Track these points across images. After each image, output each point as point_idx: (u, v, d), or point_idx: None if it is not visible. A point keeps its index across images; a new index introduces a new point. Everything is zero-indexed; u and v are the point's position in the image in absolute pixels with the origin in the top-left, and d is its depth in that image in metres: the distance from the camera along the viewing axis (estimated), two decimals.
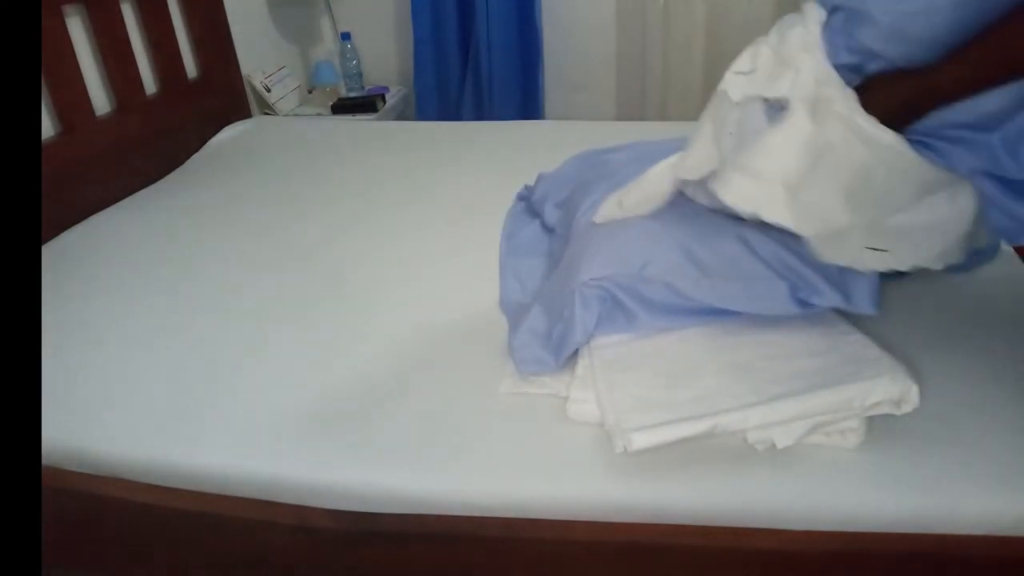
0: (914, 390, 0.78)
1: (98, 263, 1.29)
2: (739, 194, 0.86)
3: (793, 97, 0.83)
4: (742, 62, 0.90)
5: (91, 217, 1.48)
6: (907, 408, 0.79)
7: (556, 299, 0.98)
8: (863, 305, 0.88)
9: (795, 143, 0.82)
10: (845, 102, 0.81)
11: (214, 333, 1.08)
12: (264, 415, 0.92)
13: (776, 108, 0.85)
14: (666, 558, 0.81)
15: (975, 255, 1.12)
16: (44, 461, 0.92)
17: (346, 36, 2.44)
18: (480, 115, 2.49)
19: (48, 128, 1.49)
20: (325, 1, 2.60)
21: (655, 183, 1.03)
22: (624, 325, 0.94)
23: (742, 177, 0.86)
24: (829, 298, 0.88)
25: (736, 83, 0.89)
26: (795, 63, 0.84)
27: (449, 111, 2.56)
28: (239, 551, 0.92)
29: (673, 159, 1.02)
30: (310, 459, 0.86)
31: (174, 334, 1.08)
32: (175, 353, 1.04)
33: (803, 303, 0.89)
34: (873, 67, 0.84)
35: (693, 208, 1.01)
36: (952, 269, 1.10)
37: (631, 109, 2.52)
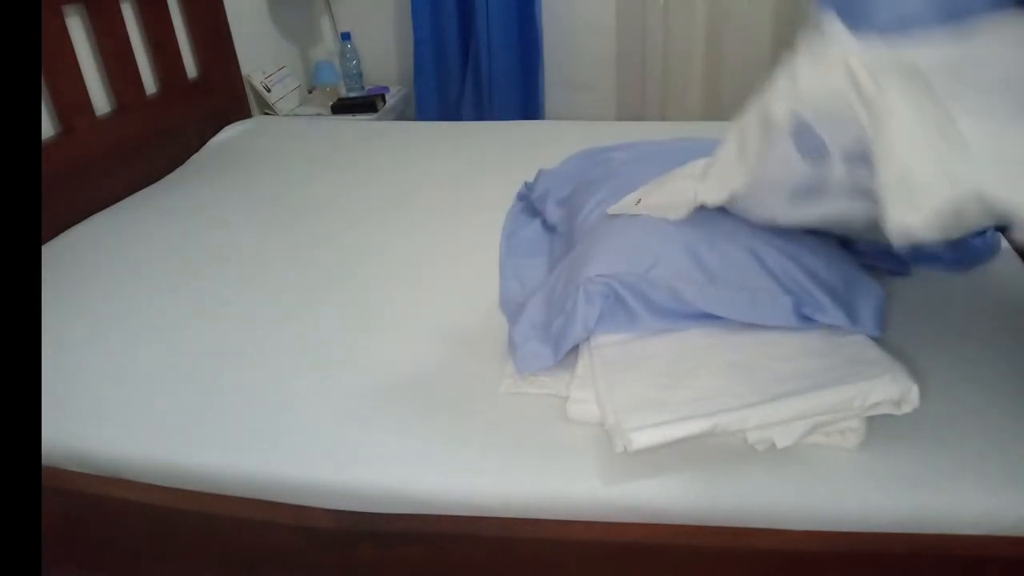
0: (914, 390, 0.78)
1: (98, 263, 1.29)
2: None
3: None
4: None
5: (91, 217, 1.48)
6: (907, 408, 0.79)
7: (559, 292, 0.98)
8: (868, 326, 0.88)
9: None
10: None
11: (214, 333, 1.08)
12: (263, 415, 0.92)
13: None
14: (666, 558, 0.81)
15: (974, 254, 1.12)
16: (44, 461, 0.92)
17: (346, 36, 2.44)
18: (480, 115, 2.49)
19: (48, 128, 1.49)
20: (325, 1, 2.60)
21: (678, 194, 1.00)
22: (625, 324, 0.94)
23: None
24: (833, 316, 0.88)
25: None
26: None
27: (449, 111, 2.56)
28: (239, 551, 0.92)
29: (698, 168, 0.98)
30: (310, 459, 0.86)
31: (174, 334, 1.08)
32: (175, 353, 1.04)
33: (806, 319, 0.89)
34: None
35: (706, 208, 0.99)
36: (952, 269, 1.10)
37: (631, 109, 2.52)
